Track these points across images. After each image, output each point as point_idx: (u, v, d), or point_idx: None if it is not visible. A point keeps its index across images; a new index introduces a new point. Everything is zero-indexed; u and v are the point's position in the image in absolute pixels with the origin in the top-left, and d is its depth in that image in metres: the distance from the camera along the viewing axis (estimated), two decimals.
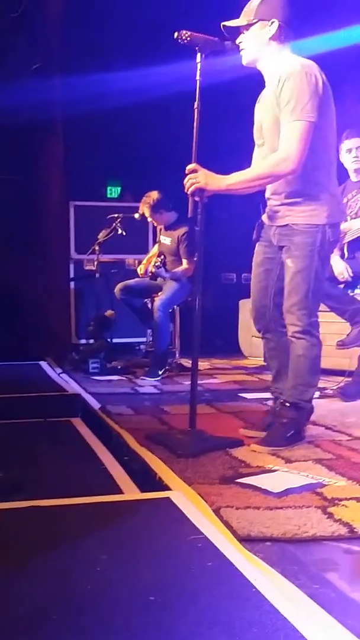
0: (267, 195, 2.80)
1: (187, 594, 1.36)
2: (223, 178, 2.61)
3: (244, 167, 2.76)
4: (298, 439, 2.69)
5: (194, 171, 2.60)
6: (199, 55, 2.58)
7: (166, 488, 2.10)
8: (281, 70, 2.58)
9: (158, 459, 2.40)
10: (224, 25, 2.64)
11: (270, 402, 3.60)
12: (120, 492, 2.17)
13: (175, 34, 2.54)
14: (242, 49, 2.66)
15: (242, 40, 2.65)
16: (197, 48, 2.57)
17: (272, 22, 2.60)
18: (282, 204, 2.69)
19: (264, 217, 2.85)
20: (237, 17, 2.65)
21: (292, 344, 2.70)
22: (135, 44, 5.66)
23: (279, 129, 2.57)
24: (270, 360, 2.93)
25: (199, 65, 2.58)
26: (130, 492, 2.14)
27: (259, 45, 2.64)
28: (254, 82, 2.79)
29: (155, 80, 5.04)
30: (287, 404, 2.71)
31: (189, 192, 2.63)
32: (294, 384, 2.71)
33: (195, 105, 2.61)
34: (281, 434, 2.65)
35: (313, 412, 2.82)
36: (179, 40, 2.54)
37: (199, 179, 2.59)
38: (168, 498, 1.95)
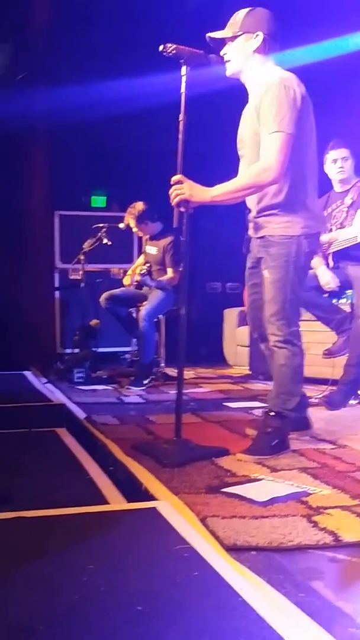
0: (248, 207, 2.84)
1: (174, 603, 1.36)
2: (207, 190, 2.63)
3: (230, 178, 2.80)
4: (283, 448, 2.71)
5: (178, 182, 2.62)
6: (184, 68, 2.61)
7: (152, 498, 2.10)
8: (262, 83, 2.62)
9: (144, 469, 2.41)
10: (209, 36, 2.68)
11: (255, 411, 3.64)
12: (106, 502, 2.16)
13: (161, 47, 2.57)
14: (226, 60, 2.70)
15: (227, 51, 2.69)
16: (182, 61, 2.60)
17: (257, 35, 2.65)
18: (259, 216, 2.74)
19: (250, 230, 2.89)
20: (222, 28, 2.69)
21: (274, 353, 2.74)
22: (121, 55, 5.70)
23: (258, 142, 2.61)
24: (268, 366, 2.97)
25: (184, 78, 2.61)
26: (116, 502, 2.14)
27: (243, 57, 2.68)
28: (239, 95, 2.82)
29: (142, 91, 5.08)
30: (271, 413, 2.74)
31: (173, 204, 2.65)
32: (277, 393, 2.75)
33: (181, 118, 2.63)
34: (266, 443, 2.68)
35: (306, 422, 2.85)
36: (164, 53, 2.57)
37: (184, 190, 2.61)
38: (154, 508, 1.96)
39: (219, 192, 2.63)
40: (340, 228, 3.99)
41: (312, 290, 3.75)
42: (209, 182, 2.68)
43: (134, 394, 4.35)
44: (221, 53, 2.70)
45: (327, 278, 3.87)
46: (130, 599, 1.37)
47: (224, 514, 1.92)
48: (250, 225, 2.85)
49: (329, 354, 4.02)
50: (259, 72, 2.68)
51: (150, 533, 1.79)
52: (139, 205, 4.83)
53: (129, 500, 2.15)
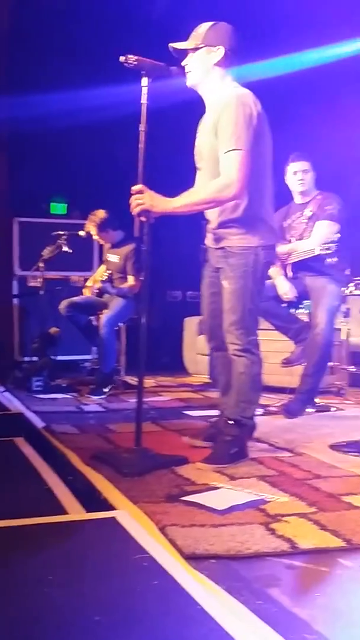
0: (206, 218, 2.88)
1: (133, 613, 1.37)
2: (169, 201, 2.66)
3: (188, 188, 2.83)
4: (242, 456, 2.74)
5: (139, 192, 2.64)
6: (145, 79, 2.63)
7: (112, 508, 2.10)
8: (220, 99, 2.68)
9: (103, 478, 2.40)
10: (172, 47, 2.71)
11: (214, 419, 3.66)
12: (64, 512, 2.15)
13: (122, 58, 2.59)
14: (187, 71, 2.74)
15: (188, 62, 2.73)
16: (143, 72, 2.62)
17: (218, 48, 2.69)
18: (219, 228, 2.79)
19: (207, 241, 2.93)
20: (185, 39, 2.73)
21: (233, 361, 2.79)
22: (83, 63, 5.70)
23: (216, 156, 2.66)
24: (219, 376, 3.03)
25: (144, 89, 2.64)
26: (75, 512, 2.13)
27: (204, 69, 2.72)
28: (198, 106, 2.86)
29: (103, 100, 5.08)
30: (230, 421, 2.78)
31: (134, 213, 2.66)
32: (236, 401, 2.79)
33: (142, 128, 2.65)
34: (225, 452, 2.70)
35: (255, 429, 2.89)
36: (126, 64, 2.59)
37: (145, 200, 2.63)
38: (113, 518, 1.96)
39: (180, 203, 2.67)
40: (299, 239, 4.06)
41: (270, 299, 3.81)
42: (169, 191, 2.70)
43: (93, 403, 4.33)
44: (182, 63, 2.73)
45: (285, 288, 3.94)
46: (89, 610, 1.37)
47: (183, 522, 1.93)
48: (209, 235, 2.89)
49: (287, 362, 4.08)
50: (218, 86, 2.73)
51: (109, 543, 1.79)
52: (100, 213, 4.82)
53: (88, 510, 2.14)
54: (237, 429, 2.76)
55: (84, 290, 5.14)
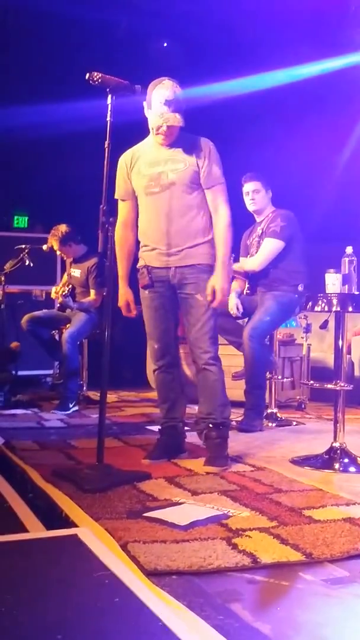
0: (156, 241, 3.00)
1: (94, 631, 1.36)
2: (218, 274, 2.93)
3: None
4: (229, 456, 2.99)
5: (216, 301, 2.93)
6: (109, 96, 2.65)
7: (73, 525, 2.08)
8: (191, 141, 3.00)
9: (64, 495, 2.38)
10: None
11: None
12: (25, 530, 2.12)
13: (87, 75, 2.62)
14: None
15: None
16: (108, 90, 2.65)
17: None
18: (184, 248, 2.96)
19: (153, 261, 3.02)
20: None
21: (205, 371, 2.99)
22: (47, 79, 5.71)
23: (186, 184, 2.97)
24: (168, 392, 3.16)
25: (109, 107, 2.66)
26: (36, 530, 2.10)
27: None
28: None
29: (67, 115, 5.09)
30: (213, 425, 2.98)
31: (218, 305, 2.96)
32: (214, 406, 3.00)
33: (106, 144, 2.67)
34: (221, 454, 2.94)
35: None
36: (91, 82, 2.62)
37: (219, 298, 2.92)
38: (75, 535, 1.94)
39: (225, 265, 2.96)
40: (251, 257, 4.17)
41: (222, 315, 3.87)
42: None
43: (55, 418, 4.29)
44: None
45: (231, 304, 4.10)
46: (50, 628, 1.35)
47: (145, 538, 1.92)
48: (157, 256, 3.00)
49: (238, 376, 4.16)
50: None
51: (70, 560, 1.77)
52: (63, 228, 4.80)
53: (49, 528, 2.11)
54: (221, 431, 2.99)
55: (52, 289, 5.03)
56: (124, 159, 3.08)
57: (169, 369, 3.12)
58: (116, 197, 3.10)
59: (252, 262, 4.10)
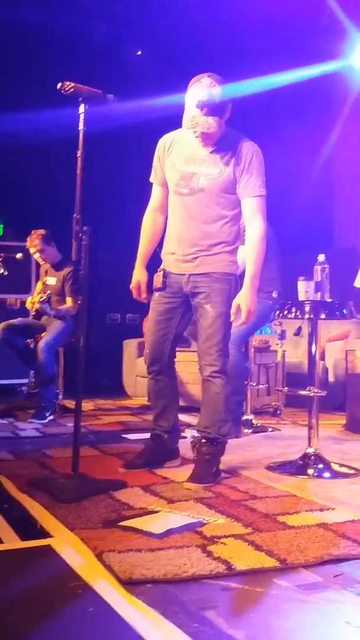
0: (175, 246, 2.95)
1: None
2: (246, 290, 2.82)
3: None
4: (219, 473, 2.85)
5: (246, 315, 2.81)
6: (82, 106, 2.66)
7: (48, 535, 2.07)
8: (234, 142, 2.88)
9: (39, 506, 2.37)
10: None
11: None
12: None
13: (59, 85, 2.62)
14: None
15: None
16: (80, 99, 2.65)
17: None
18: (200, 256, 2.89)
19: (171, 266, 2.97)
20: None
21: (208, 383, 2.89)
22: (19, 87, 5.70)
23: (220, 190, 2.88)
24: (157, 399, 3.07)
25: (82, 116, 2.66)
26: (10, 541, 2.09)
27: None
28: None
29: (39, 122, 5.08)
30: (206, 440, 2.89)
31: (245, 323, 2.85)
32: (212, 420, 2.89)
33: (79, 154, 2.68)
34: (208, 471, 2.80)
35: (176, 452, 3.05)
36: (62, 91, 2.62)
37: (245, 318, 2.80)
38: (49, 545, 1.93)
39: (252, 282, 2.83)
40: None
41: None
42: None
43: (30, 428, 4.26)
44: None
45: None
46: (24, 639, 1.35)
47: (120, 548, 1.92)
48: (176, 261, 2.94)
49: None
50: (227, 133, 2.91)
51: (44, 571, 1.76)
52: (42, 230, 4.81)
53: (24, 539, 2.10)
54: (214, 447, 2.88)
55: (27, 299, 5.00)
56: (162, 142, 2.96)
57: (158, 376, 3.03)
58: (150, 180, 3.03)
59: None
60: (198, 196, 2.86)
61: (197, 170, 2.86)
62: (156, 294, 3.03)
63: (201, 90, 2.74)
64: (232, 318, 2.83)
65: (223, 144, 2.85)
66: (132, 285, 3.08)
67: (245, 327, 3.97)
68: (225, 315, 2.86)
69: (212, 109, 2.74)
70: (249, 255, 2.86)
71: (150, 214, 3.07)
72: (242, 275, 4.02)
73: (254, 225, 2.85)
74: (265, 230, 2.86)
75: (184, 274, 2.92)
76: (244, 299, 2.80)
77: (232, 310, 2.82)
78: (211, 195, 2.85)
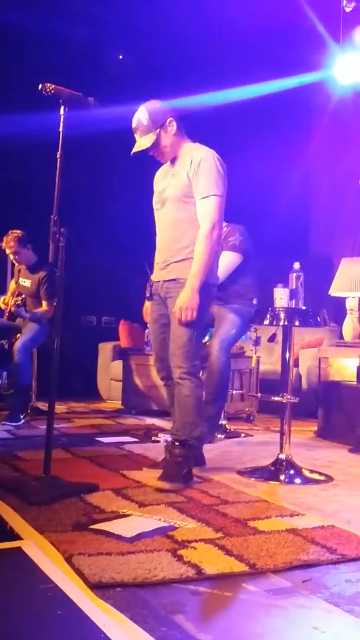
0: (157, 256, 3.07)
1: None
2: (189, 287, 2.85)
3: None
4: (191, 477, 2.85)
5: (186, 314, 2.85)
6: (62, 108, 2.66)
7: (18, 538, 2.06)
8: (191, 154, 3.01)
9: (9, 508, 2.35)
10: (136, 152, 3.02)
11: (127, 446, 3.69)
12: None
13: (40, 86, 2.62)
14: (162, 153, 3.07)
15: (155, 150, 3.04)
16: (61, 101, 2.66)
17: (169, 121, 3.02)
18: (171, 262, 2.98)
19: (155, 276, 3.09)
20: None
21: (178, 385, 2.92)
22: (1, 90, 5.67)
23: (180, 198, 3.00)
24: (172, 405, 3.10)
25: (62, 118, 2.66)
26: None
27: (171, 144, 3.05)
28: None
29: (19, 125, 5.04)
30: (177, 443, 2.90)
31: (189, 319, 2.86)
32: (183, 423, 2.91)
33: (58, 155, 2.68)
34: (178, 472, 2.80)
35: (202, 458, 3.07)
36: (43, 92, 2.62)
37: (186, 313, 2.84)
38: (19, 548, 1.92)
39: (197, 279, 2.86)
40: None
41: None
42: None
43: (1, 430, 4.22)
44: (150, 153, 3.05)
45: None
46: None
47: (90, 551, 1.92)
48: (157, 271, 3.06)
49: None
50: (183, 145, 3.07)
51: (14, 573, 1.75)
52: (19, 231, 4.77)
53: None
54: (185, 450, 2.89)
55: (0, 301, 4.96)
56: (156, 175, 3.18)
57: (168, 381, 3.09)
58: None
59: None
60: (166, 205, 3.03)
61: (165, 185, 3.05)
62: (150, 305, 3.17)
63: (133, 120, 3.01)
64: (175, 316, 2.88)
65: (184, 155, 3.02)
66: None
67: (234, 333, 4.01)
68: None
69: (144, 129, 2.98)
70: (195, 254, 2.90)
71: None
72: (221, 287, 4.04)
73: (202, 225, 2.91)
74: (213, 229, 2.90)
75: (159, 281, 3.04)
76: (181, 297, 2.86)
77: (174, 308, 2.88)
78: (175, 202, 2.99)
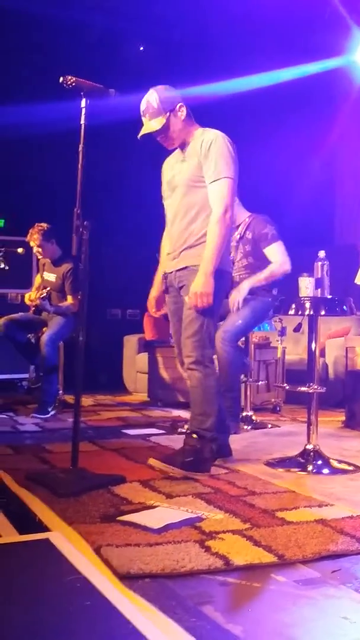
0: (169, 246, 3.03)
1: (64, 635, 1.36)
2: (204, 273, 2.79)
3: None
4: (197, 468, 2.78)
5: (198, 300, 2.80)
6: (83, 100, 2.66)
7: (46, 529, 2.07)
8: (201, 139, 2.94)
9: (37, 500, 2.37)
10: (143, 135, 2.95)
11: (153, 438, 3.69)
12: None
13: (61, 79, 2.62)
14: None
15: (164, 135, 2.97)
16: (82, 93, 2.65)
17: (180, 106, 2.96)
18: (183, 250, 2.94)
19: (167, 267, 3.04)
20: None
21: (189, 376, 2.89)
22: (20, 79, 5.69)
23: (191, 185, 2.95)
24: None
25: (83, 110, 2.66)
26: (8, 534, 2.09)
27: (179, 130, 2.98)
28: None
29: (42, 117, 5.06)
30: (190, 432, 2.88)
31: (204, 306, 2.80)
32: (193, 414, 2.90)
33: (80, 148, 2.67)
34: (180, 458, 2.79)
35: (217, 441, 2.94)
36: (64, 85, 2.62)
37: (195, 301, 2.79)
38: (47, 539, 1.93)
39: (210, 264, 2.79)
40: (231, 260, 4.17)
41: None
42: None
43: (30, 423, 4.26)
44: (158, 139, 2.98)
45: None
46: (19, 633, 1.35)
47: (119, 542, 1.92)
48: (170, 261, 3.01)
49: None
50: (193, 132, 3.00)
51: (42, 565, 1.76)
52: (45, 224, 4.80)
53: (22, 533, 2.10)
54: (195, 440, 2.84)
55: (26, 295, 5.00)
56: (164, 164, 3.14)
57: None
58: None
59: (281, 264, 4.03)
60: (176, 193, 2.97)
61: (174, 172, 3.00)
62: (166, 297, 3.12)
63: (142, 102, 2.95)
64: (190, 305, 2.84)
65: (194, 142, 2.96)
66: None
67: (240, 324, 3.98)
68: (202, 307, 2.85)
69: (153, 112, 2.91)
70: (207, 239, 2.85)
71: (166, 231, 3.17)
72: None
73: (214, 209, 2.86)
74: (225, 212, 2.83)
75: (172, 271, 3.01)
76: (195, 283, 2.81)
77: (188, 296, 2.84)
78: (185, 187, 2.93)
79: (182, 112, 2.94)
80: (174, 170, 3.03)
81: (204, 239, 2.87)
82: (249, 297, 4.02)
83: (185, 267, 2.93)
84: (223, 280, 2.93)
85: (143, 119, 2.96)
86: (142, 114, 2.96)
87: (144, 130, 2.94)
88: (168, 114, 2.91)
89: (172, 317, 3.11)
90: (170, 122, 2.92)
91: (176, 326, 3.08)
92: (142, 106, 2.95)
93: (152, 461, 2.75)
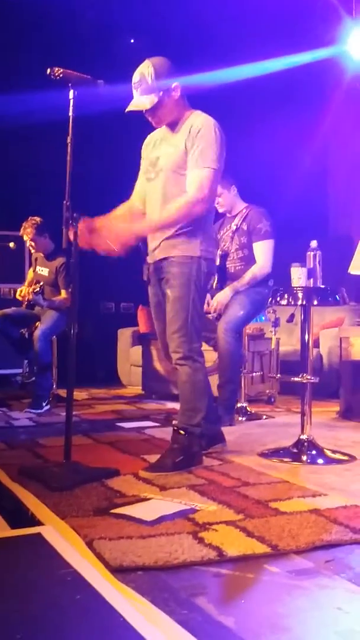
0: (150, 236, 2.90)
1: (55, 628, 1.35)
2: (131, 226, 2.74)
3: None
4: (189, 464, 2.75)
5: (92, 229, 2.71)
6: (71, 91, 2.63)
7: (39, 523, 2.06)
8: (190, 121, 2.84)
9: (30, 494, 2.36)
10: (131, 110, 2.82)
11: (148, 431, 3.68)
12: None
13: (48, 70, 2.59)
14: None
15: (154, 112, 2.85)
16: (69, 84, 2.62)
17: (174, 85, 2.85)
18: (163, 239, 2.84)
19: (149, 258, 2.96)
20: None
21: (177, 371, 2.83)
22: (10, 72, 5.63)
23: (177, 169, 2.82)
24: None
25: (71, 102, 2.63)
26: (1, 530, 2.08)
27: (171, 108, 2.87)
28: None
29: (29, 107, 5.01)
30: (177, 429, 2.82)
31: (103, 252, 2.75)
32: (181, 410, 2.84)
33: (68, 140, 2.64)
34: (170, 460, 2.73)
35: (205, 437, 2.92)
36: (52, 76, 2.59)
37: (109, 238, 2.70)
38: (39, 533, 1.92)
39: (148, 225, 2.81)
40: (226, 251, 4.16)
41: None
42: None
43: (24, 417, 4.25)
44: (147, 116, 2.85)
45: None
46: (9, 627, 1.34)
47: (111, 535, 1.91)
48: (149, 251, 2.93)
49: (208, 372, 4.14)
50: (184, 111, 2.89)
51: (33, 559, 1.75)
52: (38, 218, 4.77)
53: (15, 527, 2.09)
54: (184, 437, 2.79)
55: (19, 290, 4.97)
56: (148, 137, 3.01)
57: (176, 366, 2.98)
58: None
59: (262, 267, 4.03)
60: (159, 177, 2.85)
61: (159, 153, 2.89)
62: (148, 289, 3.02)
63: (135, 74, 2.79)
64: (169, 298, 2.79)
65: (182, 122, 2.85)
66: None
67: (241, 316, 3.97)
68: (184, 299, 2.79)
69: (147, 87, 2.78)
70: (166, 209, 2.77)
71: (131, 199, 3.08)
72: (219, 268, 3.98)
73: (188, 191, 2.75)
74: (196, 199, 2.72)
75: (153, 262, 2.92)
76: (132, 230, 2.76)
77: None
78: (169, 172, 2.82)
79: (177, 93, 2.82)
80: (159, 151, 2.90)
81: (186, 229, 2.79)
82: (247, 289, 4.00)
83: (166, 258, 2.84)
84: (199, 267, 2.81)
85: (134, 91, 2.82)
86: (133, 85, 2.82)
87: (133, 106, 2.80)
88: (161, 93, 2.77)
89: (154, 309, 3.01)
90: (162, 101, 2.79)
91: (158, 317, 2.98)
92: (135, 78, 2.81)
93: (142, 473, 2.65)
